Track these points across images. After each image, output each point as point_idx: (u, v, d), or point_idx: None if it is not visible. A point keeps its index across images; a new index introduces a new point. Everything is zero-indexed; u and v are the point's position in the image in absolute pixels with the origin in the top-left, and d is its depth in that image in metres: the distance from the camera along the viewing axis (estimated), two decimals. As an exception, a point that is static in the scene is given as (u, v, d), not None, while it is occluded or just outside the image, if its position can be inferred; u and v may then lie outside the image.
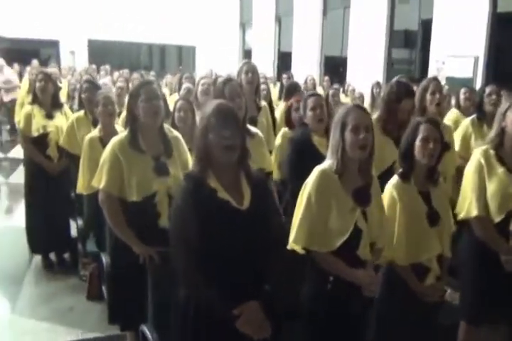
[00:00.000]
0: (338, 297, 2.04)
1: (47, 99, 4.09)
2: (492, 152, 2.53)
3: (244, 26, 15.74)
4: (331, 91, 5.27)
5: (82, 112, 3.89)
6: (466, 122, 3.71)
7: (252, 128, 2.83)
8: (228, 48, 15.61)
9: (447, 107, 4.53)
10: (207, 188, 1.82)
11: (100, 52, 16.04)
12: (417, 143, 2.26)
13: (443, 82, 7.85)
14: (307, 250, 2.07)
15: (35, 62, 11.67)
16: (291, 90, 5.37)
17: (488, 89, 3.73)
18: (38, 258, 4.28)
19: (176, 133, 2.68)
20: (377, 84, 7.06)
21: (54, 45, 16.37)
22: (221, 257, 1.79)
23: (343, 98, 7.04)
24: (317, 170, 2.09)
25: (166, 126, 2.66)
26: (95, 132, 3.33)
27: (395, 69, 9.68)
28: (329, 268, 2.05)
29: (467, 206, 2.52)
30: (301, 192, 2.11)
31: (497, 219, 2.46)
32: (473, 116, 3.77)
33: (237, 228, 1.80)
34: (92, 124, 3.73)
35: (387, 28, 9.62)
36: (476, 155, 2.55)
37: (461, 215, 2.54)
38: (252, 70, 3.57)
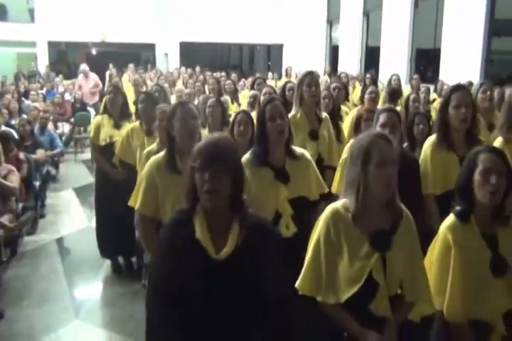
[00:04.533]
0: None
1: (116, 110, 4.29)
2: None
3: (331, 22, 15.34)
4: (411, 97, 4.73)
5: (137, 123, 3.97)
6: None
7: (298, 150, 2.57)
8: (315, 45, 15.34)
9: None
10: (188, 227, 1.65)
11: (191, 54, 16.61)
12: (476, 177, 1.90)
13: None
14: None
15: (131, 66, 12.39)
16: (393, 97, 5.11)
17: None
18: (108, 262, 4.46)
19: None
20: (470, 85, 6.27)
21: (151, 48, 17.32)
22: (188, 303, 1.60)
23: (434, 97, 6.44)
24: (329, 208, 1.83)
25: None
26: (153, 146, 3.35)
27: (497, 60, 8.71)
28: (336, 322, 1.78)
29: None
30: (313, 231, 1.87)
31: None
32: None
33: (208, 278, 1.59)
34: (146, 135, 3.80)
35: (486, 16, 8.68)
36: None
37: None
38: (314, 83, 3.35)
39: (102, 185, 4.32)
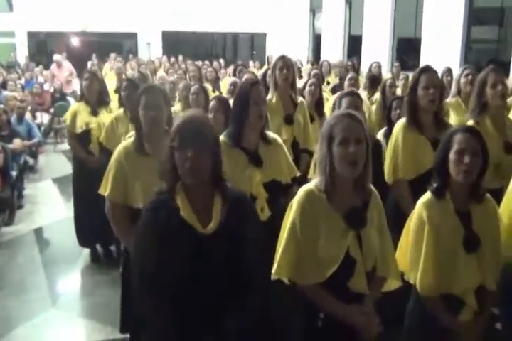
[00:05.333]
0: (331, 337, 1.77)
1: (93, 97, 4.22)
2: None
3: (314, 11, 15.28)
4: (388, 82, 4.75)
5: (121, 110, 3.91)
6: None
7: (271, 134, 2.56)
8: (298, 34, 15.30)
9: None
10: (171, 206, 1.65)
11: (174, 43, 16.44)
12: (451, 156, 1.92)
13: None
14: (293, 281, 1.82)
15: (112, 55, 12.24)
16: (373, 83, 5.11)
17: None
18: (87, 251, 4.41)
19: None
20: (449, 71, 6.31)
21: (133, 37, 17.09)
22: (175, 283, 1.61)
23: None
24: (302, 190, 1.83)
25: None
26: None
27: (474, 49, 8.81)
28: (318, 303, 1.78)
29: None
30: (286, 215, 1.86)
31: None
32: None
33: (196, 254, 1.61)
34: (130, 121, 3.73)
35: (465, 5, 8.75)
36: None
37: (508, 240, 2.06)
38: (287, 66, 3.34)
39: (79, 173, 4.27)
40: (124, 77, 6.70)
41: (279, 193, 2.50)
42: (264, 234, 1.83)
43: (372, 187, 1.88)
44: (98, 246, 4.41)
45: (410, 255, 1.97)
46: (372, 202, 1.85)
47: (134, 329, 2.57)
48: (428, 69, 2.76)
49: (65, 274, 4.13)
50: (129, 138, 2.57)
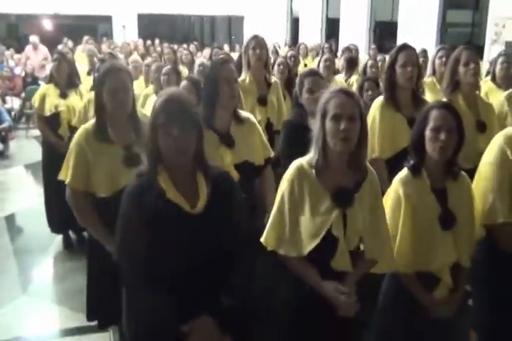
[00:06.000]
0: (316, 307, 1.77)
1: (62, 79, 4.09)
2: None
3: (291, -7, 15.13)
4: (369, 63, 4.76)
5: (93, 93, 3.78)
6: (501, 98, 3.19)
7: (243, 113, 2.49)
8: (276, 17, 15.11)
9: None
10: (155, 188, 1.60)
11: (150, 27, 16.09)
12: (427, 133, 1.90)
13: (502, 47, 7.14)
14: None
15: (85, 38, 11.91)
16: (351, 64, 5.07)
17: None
18: (60, 238, 4.32)
19: None
20: (424, 52, 6.33)
21: (108, 20, 16.67)
22: (169, 266, 1.58)
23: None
24: (294, 164, 1.82)
25: (140, 111, 2.43)
26: None
27: (450, 33, 8.88)
28: (298, 275, 1.79)
29: (488, 208, 2.04)
30: (279, 187, 1.86)
31: None
32: (510, 90, 3.26)
33: (187, 234, 1.58)
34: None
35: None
36: (499, 142, 2.07)
37: (484, 221, 2.07)
38: (260, 45, 3.27)
39: (49, 158, 4.13)
40: (95, 59, 6.52)
41: (252, 174, 2.45)
42: None
43: (369, 166, 1.85)
44: (71, 233, 4.32)
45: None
46: (367, 182, 1.82)
47: (103, 317, 2.50)
48: (406, 47, 2.75)
49: (36, 261, 4.03)
50: (87, 124, 2.40)
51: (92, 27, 16.58)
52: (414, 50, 2.77)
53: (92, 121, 2.34)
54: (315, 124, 1.80)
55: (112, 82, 2.23)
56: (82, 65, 6.46)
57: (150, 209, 1.58)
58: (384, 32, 10.95)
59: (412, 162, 1.96)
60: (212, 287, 1.62)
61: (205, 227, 1.61)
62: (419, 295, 1.92)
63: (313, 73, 2.72)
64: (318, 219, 1.74)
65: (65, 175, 2.33)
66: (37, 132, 8.34)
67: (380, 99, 2.79)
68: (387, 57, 2.89)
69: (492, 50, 7.31)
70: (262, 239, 1.85)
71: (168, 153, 1.58)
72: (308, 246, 1.74)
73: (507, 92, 3.26)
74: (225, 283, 1.65)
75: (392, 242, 1.92)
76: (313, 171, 1.77)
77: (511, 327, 2.06)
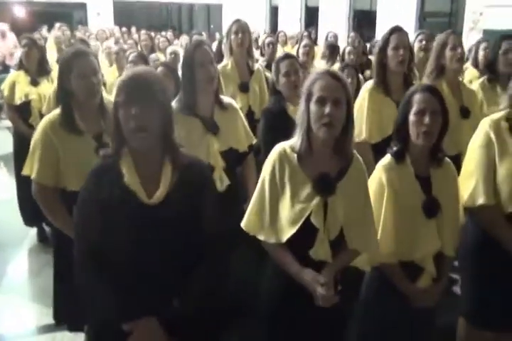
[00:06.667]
0: (296, 296, 1.72)
1: (32, 65, 3.92)
2: (505, 124, 2.01)
3: (270, -19, 14.94)
4: (347, 49, 4.74)
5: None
6: (476, 86, 3.16)
7: (226, 99, 2.41)
8: (255, 5, 14.91)
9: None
10: (114, 172, 1.50)
11: (126, 14, 15.75)
12: (411, 117, 1.84)
13: (480, 35, 7.16)
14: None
15: (57, 25, 11.57)
16: (333, 51, 5.02)
17: (505, 46, 3.09)
18: (34, 232, 4.18)
19: None
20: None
21: (82, 7, 16.25)
22: (120, 258, 1.49)
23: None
24: (276, 147, 1.74)
25: (106, 97, 2.29)
26: None
27: (428, 22, 8.90)
28: (277, 262, 1.74)
29: (471, 191, 2.01)
30: (262, 171, 1.79)
31: (510, 209, 1.96)
32: (484, 77, 3.23)
33: (138, 226, 1.47)
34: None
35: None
36: (484, 126, 2.04)
37: (464, 202, 2.03)
38: (242, 30, 3.17)
39: (20, 148, 3.93)
40: (63, 46, 6.33)
41: (237, 162, 2.39)
42: (224, 204, 1.72)
43: (356, 153, 1.79)
44: (45, 226, 4.18)
45: None
46: (352, 170, 1.75)
47: (71, 320, 2.39)
48: (398, 30, 2.70)
49: (10, 255, 3.88)
50: (51, 113, 2.24)
51: (67, 14, 16.13)
52: (406, 33, 2.72)
53: (56, 111, 2.18)
54: (300, 108, 1.72)
55: (81, 67, 2.09)
56: (52, 52, 6.26)
57: (105, 194, 1.48)
58: (363, 21, 10.92)
59: (395, 148, 1.91)
60: (166, 287, 1.51)
61: (162, 219, 1.48)
62: (402, 286, 1.88)
63: (288, 56, 2.66)
64: (298, 206, 1.67)
65: (30, 169, 2.17)
66: (9, 122, 8.15)
67: (370, 83, 2.74)
68: (376, 44, 2.82)
69: (470, 38, 7.32)
70: (242, 224, 1.79)
71: (128, 135, 1.47)
72: (287, 233, 1.68)
73: (480, 80, 3.24)
74: (185, 286, 1.53)
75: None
76: (295, 156, 1.69)
77: (500, 313, 2.05)
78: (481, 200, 1.97)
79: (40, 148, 2.13)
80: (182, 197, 1.52)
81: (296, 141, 1.71)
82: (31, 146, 2.18)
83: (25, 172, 2.20)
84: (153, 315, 1.48)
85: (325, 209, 1.69)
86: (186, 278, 1.53)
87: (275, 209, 1.72)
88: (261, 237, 1.75)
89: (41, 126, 2.17)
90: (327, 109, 1.61)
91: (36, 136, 2.16)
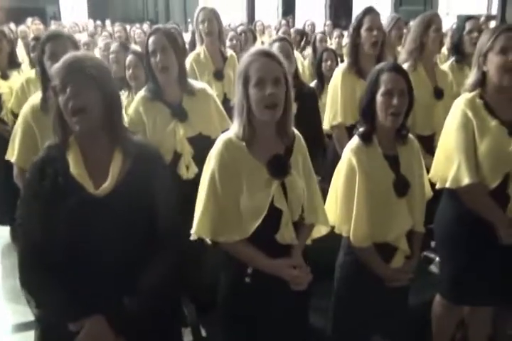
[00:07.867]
0: (260, 292, 1.66)
1: (3, 59, 3.77)
2: (480, 101, 2.00)
3: (247, -30, 14.77)
4: (318, 36, 4.75)
5: (32, 73, 3.51)
6: (445, 68, 3.12)
7: (196, 84, 2.37)
8: (231, -5, 14.75)
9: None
10: (60, 162, 1.44)
11: (100, 7, 15.48)
12: (378, 97, 1.82)
13: (454, 20, 7.18)
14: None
15: (29, 19, 11.32)
16: (301, 37, 5.01)
17: (468, 26, 3.14)
18: (7, 231, 4.05)
19: None
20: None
21: (55, 1, 15.93)
22: (65, 253, 1.43)
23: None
24: (220, 139, 1.67)
25: None
26: None
27: (404, 10, 8.94)
28: (243, 260, 1.66)
29: (454, 172, 1.97)
30: (204, 168, 1.71)
31: (493, 184, 1.95)
32: (452, 59, 3.23)
33: (84, 219, 1.40)
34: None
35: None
36: (460, 106, 2.01)
37: (448, 184, 2.01)
38: (208, 18, 3.14)
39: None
40: (29, 40, 6.18)
41: (208, 148, 2.33)
42: (192, 192, 1.70)
43: (296, 131, 1.75)
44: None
45: (342, 205, 1.88)
46: (296, 147, 1.73)
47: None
48: (372, 11, 2.69)
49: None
50: (32, 98, 2.29)
51: (40, 9, 15.77)
52: (379, 14, 2.72)
53: (38, 95, 2.21)
54: (236, 91, 1.65)
55: (52, 48, 2.12)
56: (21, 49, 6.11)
57: (49, 185, 1.42)
58: (339, 9, 10.91)
59: (362, 129, 1.89)
60: (117, 285, 1.43)
61: (110, 212, 1.41)
62: (377, 267, 1.87)
63: (281, 39, 2.72)
64: (258, 194, 1.61)
65: (12, 153, 2.26)
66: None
67: (343, 65, 2.74)
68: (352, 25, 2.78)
69: (444, 23, 7.38)
70: (193, 232, 1.66)
71: (69, 117, 1.41)
72: (252, 225, 1.61)
73: (449, 62, 3.24)
74: (137, 282, 1.46)
75: (347, 216, 1.86)
76: (244, 144, 1.63)
77: (478, 291, 2.05)
78: (466, 180, 1.95)
79: (19, 132, 2.23)
80: (133, 187, 1.45)
81: (237, 128, 1.64)
82: (13, 131, 2.28)
83: (8, 156, 2.30)
84: (101, 313, 1.42)
85: (284, 191, 1.65)
86: (139, 273, 1.46)
87: (233, 204, 1.62)
88: (221, 239, 1.65)
89: (22, 110, 2.26)
90: (268, 90, 1.55)
91: (18, 122, 2.27)
